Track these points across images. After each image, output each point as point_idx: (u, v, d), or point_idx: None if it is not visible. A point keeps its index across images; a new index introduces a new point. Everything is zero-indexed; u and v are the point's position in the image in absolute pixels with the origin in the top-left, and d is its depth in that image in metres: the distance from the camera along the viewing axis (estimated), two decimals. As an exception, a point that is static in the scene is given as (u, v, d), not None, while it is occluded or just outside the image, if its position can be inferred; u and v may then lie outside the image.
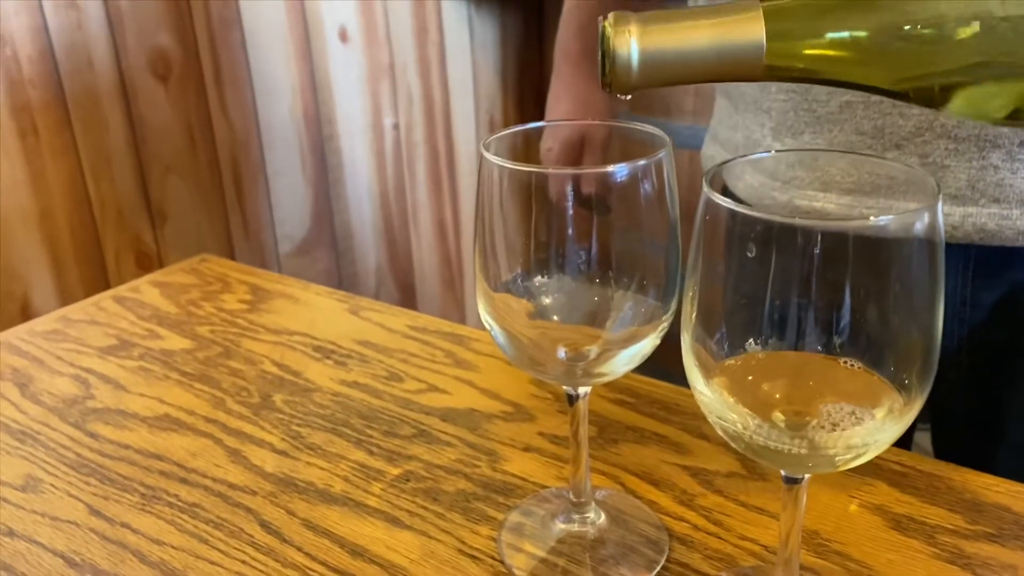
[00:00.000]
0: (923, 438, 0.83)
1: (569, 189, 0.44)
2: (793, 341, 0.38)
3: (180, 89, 1.45)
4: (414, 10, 1.79)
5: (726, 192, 0.39)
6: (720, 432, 0.40)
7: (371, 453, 0.61)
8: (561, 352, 0.47)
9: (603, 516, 0.54)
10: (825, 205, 0.64)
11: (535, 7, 2.05)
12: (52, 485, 0.60)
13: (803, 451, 0.38)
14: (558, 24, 0.89)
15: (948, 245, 0.37)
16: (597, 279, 0.47)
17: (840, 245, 0.35)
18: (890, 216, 0.35)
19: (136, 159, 1.41)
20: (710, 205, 0.37)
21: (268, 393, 0.69)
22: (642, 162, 0.43)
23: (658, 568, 0.50)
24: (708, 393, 0.40)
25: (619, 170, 0.43)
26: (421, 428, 0.64)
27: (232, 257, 1.58)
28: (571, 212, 0.44)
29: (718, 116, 0.80)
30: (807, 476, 0.42)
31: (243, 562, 0.52)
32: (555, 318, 0.49)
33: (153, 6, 1.38)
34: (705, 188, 0.38)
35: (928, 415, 0.76)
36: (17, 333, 0.80)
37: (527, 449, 0.61)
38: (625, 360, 0.47)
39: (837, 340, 0.37)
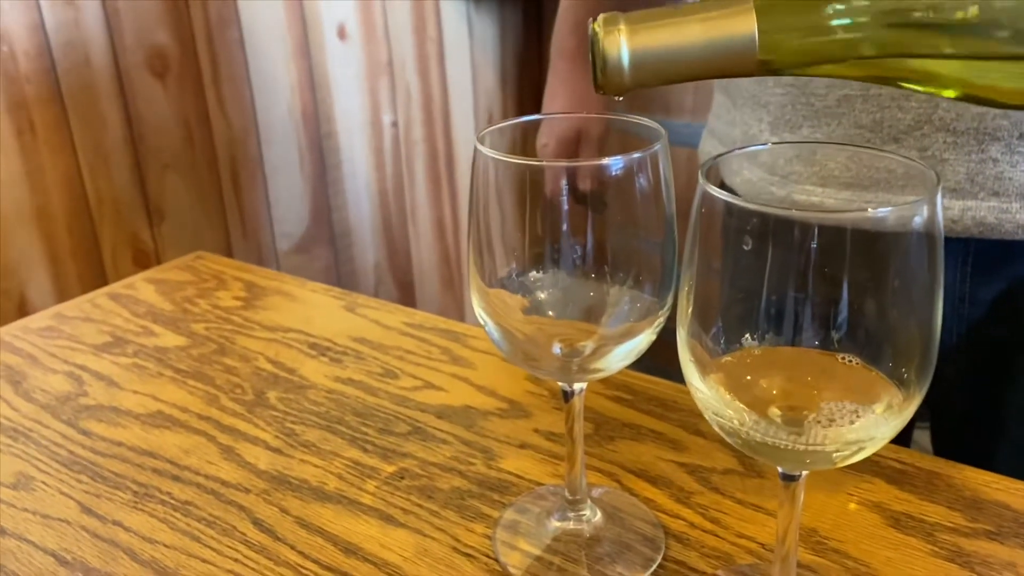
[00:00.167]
0: (922, 436, 0.83)
1: (564, 184, 0.43)
2: (790, 336, 0.37)
3: (178, 86, 1.44)
4: (413, 7, 1.79)
5: (723, 186, 0.38)
6: (717, 428, 0.40)
7: (365, 451, 0.61)
8: (556, 348, 0.47)
9: (599, 514, 0.53)
10: (824, 199, 0.64)
11: (534, 4, 2.04)
12: (44, 483, 0.59)
13: (800, 447, 0.37)
14: (555, 20, 0.89)
15: (947, 239, 0.37)
16: (593, 274, 0.46)
17: (838, 238, 0.35)
18: (888, 208, 0.34)
19: (134, 156, 1.41)
20: (706, 198, 0.37)
21: (262, 390, 0.69)
22: (637, 155, 0.42)
23: (654, 566, 0.50)
24: (704, 389, 0.39)
25: (614, 163, 0.42)
26: (416, 425, 0.63)
27: (230, 255, 1.58)
28: (566, 206, 0.44)
29: (716, 112, 0.80)
30: (804, 473, 0.42)
31: (236, 560, 0.52)
32: (550, 314, 0.48)
33: (151, 4, 1.38)
34: (701, 180, 0.37)
35: (927, 412, 0.75)
36: (11, 330, 0.80)
37: (523, 446, 0.61)
38: (621, 356, 0.46)
39: (835, 335, 0.37)
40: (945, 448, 0.75)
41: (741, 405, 0.39)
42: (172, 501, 0.57)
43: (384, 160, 1.81)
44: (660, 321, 0.46)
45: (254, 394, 0.68)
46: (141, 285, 0.87)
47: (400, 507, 0.55)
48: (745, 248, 0.36)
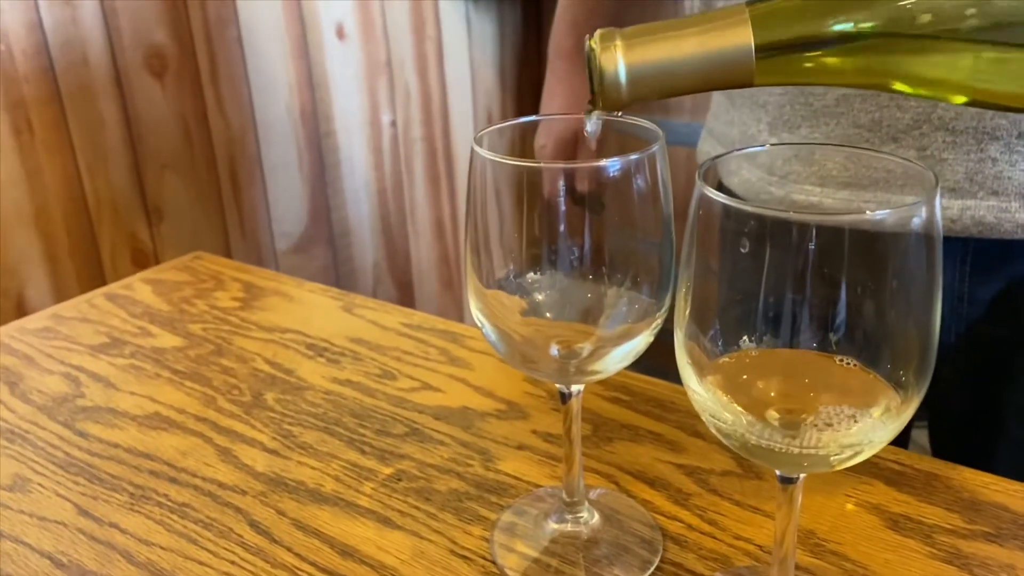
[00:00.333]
0: (920, 435, 0.83)
1: (562, 185, 0.43)
2: (788, 338, 0.37)
3: (176, 86, 1.44)
4: (411, 7, 1.79)
5: (721, 187, 0.38)
6: (714, 431, 0.40)
7: (363, 452, 0.61)
8: (554, 349, 0.47)
9: (596, 516, 0.53)
10: (822, 199, 0.64)
11: (533, 3, 2.04)
12: (40, 485, 0.59)
13: (798, 450, 0.37)
14: (554, 19, 0.88)
15: (945, 239, 0.36)
16: (590, 276, 0.46)
17: (836, 240, 0.35)
18: (887, 210, 0.34)
19: (132, 156, 1.40)
20: (703, 199, 0.37)
21: (260, 391, 0.68)
22: (635, 156, 0.42)
23: (652, 568, 0.50)
24: (702, 392, 0.39)
25: (611, 164, 0.42)
26: (414, 427, 0.63)
27: (229, 255, 1.57)
28: (564, 208, 0.44)
29: (714, 112, 0.79)
30: (802, 476, 0.41)
31: (232, 562, 0.51)
32: (548, 315, 0.48)
33: (149, 3, 1.37)
34: (698, 182, 0.37)
35: (925, 411, 0.75)
36: (8, 331, 0.80)
37: (520, 448, 0.60)
38: (619, 358, 0.46)
39: (833, 337, 0.37)
40: (943, 447, 0.75)
41: (738, 408, 0.39)
42: (169, 503, 0.57)
43: (383, 160, 1.81)
44: (658, 323, 0.45)
45: (251, 395, 0.68)
46: (138, 286, 0.87)
47: (397, 509, 0.55)
48: (743, 250, 0.36)
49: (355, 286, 1.81)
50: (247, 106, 1.55)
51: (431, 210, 1.95)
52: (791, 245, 0.35)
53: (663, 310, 0.45)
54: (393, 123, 1.81)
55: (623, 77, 0.39)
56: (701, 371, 0.39)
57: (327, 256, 1.75)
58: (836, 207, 0.63)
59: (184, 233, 1.50)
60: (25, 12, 1.25)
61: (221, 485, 0.58)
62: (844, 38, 0.38)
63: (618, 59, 0.39)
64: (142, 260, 1.45)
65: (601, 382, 0.66)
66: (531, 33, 2.07)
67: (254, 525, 0.54)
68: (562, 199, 0.43)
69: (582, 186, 0.43)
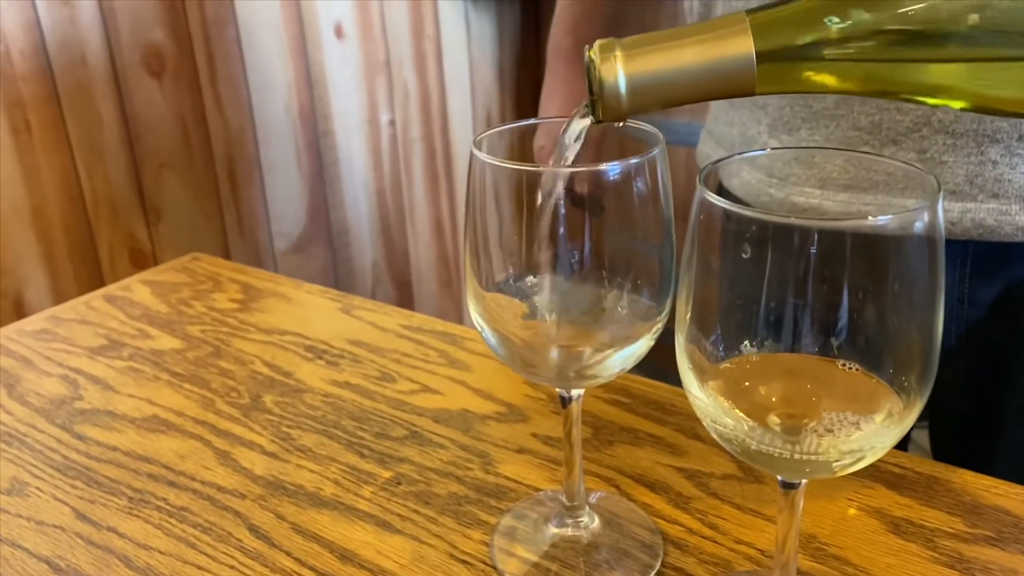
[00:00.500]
0: (921, 435, 0.82)
1: (561, 188, 0.43)
2: (790, 343, 0.37)
3: (174, 85, 1.44)
4: (410, 6, 1.78)
5: (721, 189, 0.38)
6: (715, 436, 0.39)
7: (362, 455, 0.60)
8: (554, 353, 0.47)
9: (597, 520, 0.53)
10: (822, 202, 0.63)
11: (532, 3, 2.04)
12: (38, 488, 0.59)
13: (800, 456, 0.37)
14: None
15: (946, 241, 0.36)
16: (590, 279, 0.46)
17: (837, 244, 0.34)
18: (889, 216, 0.34)
19: (130, 155, 1.40)
20: (704, 204, 0.37)
21: (258, 394, 0.68)
22: (635, 160, 0.42)
23: (652, 573, 0.49)
24: (703, 397, 0.39)
25: (612, 168, 0.42)
26: (413, 430, 0.63)
27: (227, 255, 1.57)
28: (564, 211, 0.44)
29: (714, 113, 0.79)
30: (804, 481, 0.41)
31: (231, 567, 0.51)
32: (548, 319, 0.48)
33: (147, 2, 1.37)
34: (699, 187, 0.37)
35: (926, 413, 0.75)
36: (6, 333, 0.79)
37: (520, 451, 0.60)
38: (619, 362, 0.46)
39: (835, 342, 0.36)
40: (943, 449, 0.75)
41: (740, 413, 0.38)
42: (167, 507, 0.56)
43: (382, 159, 1.81)
44: (658, 327, 0.45)
45: (250, 398, 0.68)
46: (136, 287, 0.87)
47: (397, 513, 0.55)
48: (744, 255, 0.36)
49: (354, 286, 1.81)
50: (245, 106, 1.54)
51: (430, 210, 1.94)
52: (793, 249, 0.35)
53: (664, 314, 0.45)
54: (392, 123, 1.81)
55: (623, 88, 0.39)
56: (702, 376, 0.39)
57: (326, 256, 1.75)
58: (836, 210, 0.62)
59: (182, 233, 1.49)
60: (23, 11, 1.24)
61: (220, 489, 0.58)
62: (845, 46, 0.38)
63: (618, 70, 0.38)
64: (140, 260, 1.44)
65: (601, 385, 0.66)
66: (530, 33, 2.07)
67: (253, 529, 0.54)
68: (562, 202, 0.43)
69: (582, 189, 0.43)
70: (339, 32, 1.66)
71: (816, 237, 0.34)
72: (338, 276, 1.78)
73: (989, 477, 0.55)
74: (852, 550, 0.50)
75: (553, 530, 0.53)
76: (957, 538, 0.51)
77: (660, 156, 0.43)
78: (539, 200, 0.42)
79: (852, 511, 0.53)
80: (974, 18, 0.36)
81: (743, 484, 0.56)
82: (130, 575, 0.51)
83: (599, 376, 0.47)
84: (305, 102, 1.64)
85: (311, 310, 0.81)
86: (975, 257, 0.65)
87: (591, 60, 0.39)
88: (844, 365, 0.37)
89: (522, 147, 0.49)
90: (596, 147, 0.77)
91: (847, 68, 0.38)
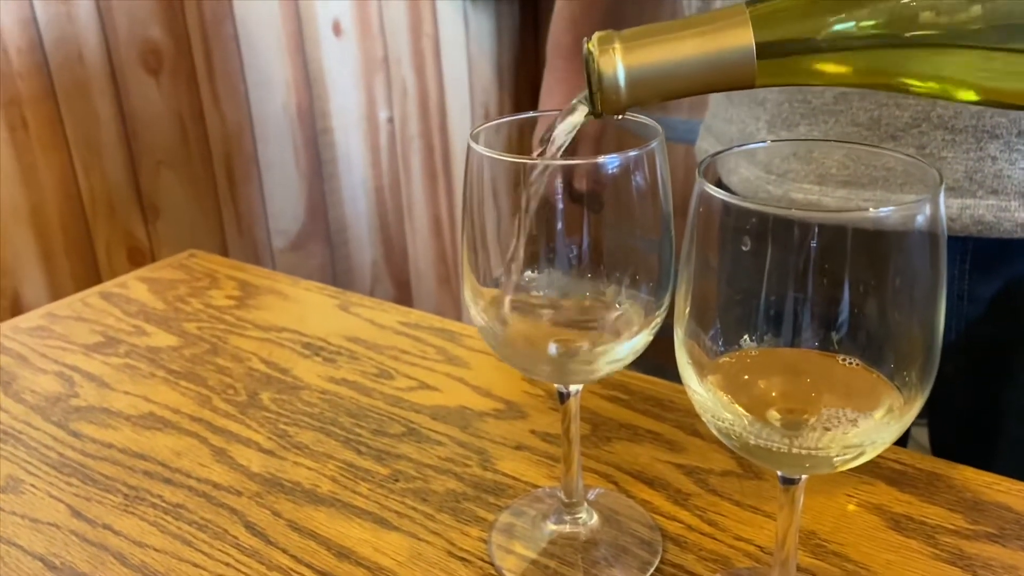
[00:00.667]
0: (920, 433, 0.82)
1: (560, 183, 0.43)
2: (789, 338, 0.36)
3: (172, 82, 1.43)
4: (408, 4, 1.78)
5: (719, 185, 0.37)
6: (715, 432, 0.39)
7: (359, 452, 0.60)
8: (552, 349, 0.46)
9: (595, 516, 0.53)
10: (821, 198, 0.63)
11: (530, 0, 2.03)
12: (33, 486, 0.58)
13: (800, 452, 0.37)
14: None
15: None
16: (589, 274, 0.45)
17: (838, 238, 0.34)
18: (891, 208, 0.33)
19: (127, 153, 1.40)
20: (703, 197, 0.36)
21: (255, 391, 0.68)
22: (633, 153, 0.42)
23: (651, 570, 0.49)
24: (702, 392, 0.39)
25: (610, 161, 0.42)
26: (411, 426, 0.63)
27: (225, 253, 1.57)
28: (562, 205, 0.43)
29: (713, 109, 0.79)
30: (804, 477, 0.41)
31: (227, 564, 0.51)
32: (546, 314, 0.48)
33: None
34: (699, 179, 0.37)
35: (926, 410, 0.75)
36: (2, 330, 0.79)
37: (519, 448, 0.60)
38: (617, 357, 0.45)
39: (835, 336, 0.36)
40: (943, 446, 0.75)
41: (739, 408, 0.38)
42: (163, 504, 0.56)
43: (380, 157, 1.81)
44: (657, 322, 0.45)
45: (247, 395, 0.67)
46: (133, 284, 0.86)
47: (394, 510, 0.55)
48: (744, 248, 0.35)
49: (352, 284, 1.81)
50: (243, 103, 1.54)
51: (428, 207, 1.94)
52: (793, 243, 0.34)
53: (662, 309, 0.45)
54: (390, 120, 1.81)
55: (622, 80, 0.38)
56: (701, 371, 0.39)
57: (324, 254, 1.75)
58: (836, 206, 0.62)
59: (180, 230, 1.49)
60: (19, 8, 1.24)
61: (216, 486, 0.58)
62: (846, 37, 0.38)
63: (617, 62, 0.38)
64: (138, 257, 1.44)
65: (600, 381, 0.66)
66: (528, 30, 2.06)
67: (249, 526, 0.54)
68: (560, 196, 0.43)
69: (581, 183, 0.43)
70: (337, 29, 1.66)
71: (817, 230, 0.34)
72: (336, 274, 1.78)
73: (990, 473, 0.55)
74: (852, 546, 0.50)
75: (551, 527, 0.52)
76: (958, 534, 0.50)
77: (659, 149, 0.43)
78: (533, 192, 0.42)
79: (852, 507, 0.53)
80: (976, 9, 0.36)
81: (742, 480, 0.55)
82: (125, 573, 0.51)
83: (597, 372, 0.46)
84: (303, 100, 1.63)
85: (308, 307, 0.81)
86: (974, 253, 0.65)
87: (590, 52, 0.39)
88: (844, 360, 0.37)
89: (520, 140, 0.48)
90: (595, 143, 0.77)
91: (848, 59, 0.38)
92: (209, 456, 0.61)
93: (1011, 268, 0.65)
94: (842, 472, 0.55)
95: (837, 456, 0.37)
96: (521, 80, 2.08)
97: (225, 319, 0.79)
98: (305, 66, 1.62)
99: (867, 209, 0.33)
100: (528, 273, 0.46)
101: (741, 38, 0.37)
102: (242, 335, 0.76)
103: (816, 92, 0.64)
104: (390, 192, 1.84)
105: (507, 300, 0.46)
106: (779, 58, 0.38)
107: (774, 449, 0.37)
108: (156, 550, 0.52)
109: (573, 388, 0.48)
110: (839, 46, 0.38)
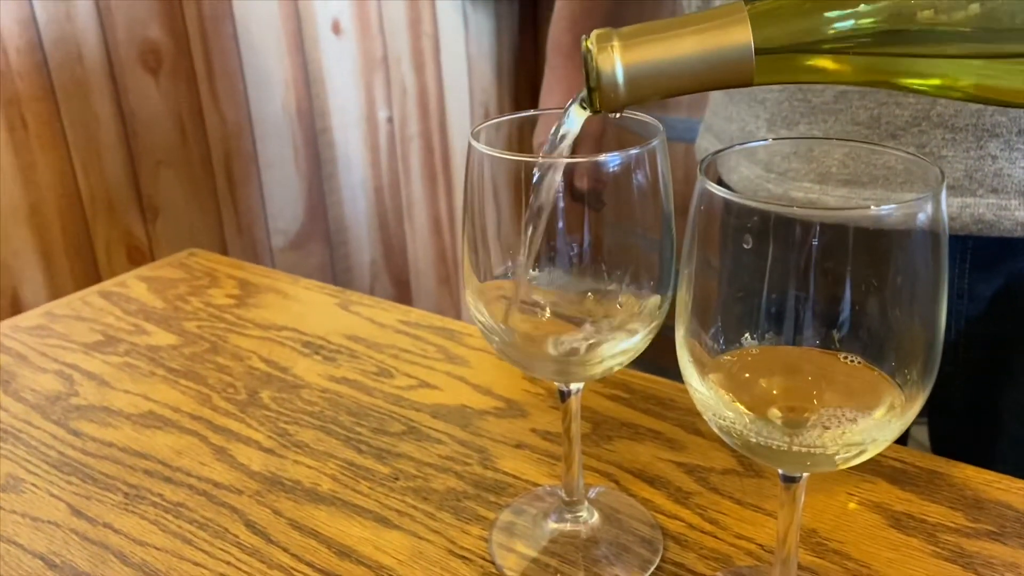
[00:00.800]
0: (920, 431, 0.82)
1: (560, 181, 0.43)
2: (791, 336, 0.36)
3: (171, 82, 1.43)
4: (408, 3, 1.78)
5: (720, 184, 0.37)
6: (716, 430, 0.39)
7: (360, 451, 0.60)
8: (552, 347, 0.46)
9: (596, 515, 0.53)
10: (821, 197, 0.63)
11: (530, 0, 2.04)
12: (33, 484, 0.58)
13: (801, 450, 0.37)
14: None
15: (946, 236, 0.36)
16: (589, 272, 0.45)
17: (839, 236, 0.34)
18: (892, 205, 0.33)
19: (127, 152, 1.40)
20: (704, 194, 0.36)
21: (255, 390, 0.68)
22: (634, 151, 0.42)
23: (652, 568, 0.49)
24: (703, 390, 0.39)
25: (611, 159, 0.42)
26: (411, 425, 0.63)
27: (225, 252, 1.57)
28: (562, 204, 0.43)
29: (713, 108, 0.79)
30: (805, 475, 0.41)
31: (228, 563, 0.51)
32: (546, 312, 0.48)
33: (143, -2, 1.36)
34: (700, 177, 0.37)
35: (925, 408, 0.75)
36: (1, 328, 0.79)
37: (519, 446, 0.60)
38: (618, 356, 0.45)
39: (836, 334, 0.36)
40: (943, 444, 0.75)
41: (740, 406, 0.38)
42: (163, 503, 0.56)
43: (380, 156, 1.80)
44: (658, 320, 0.45)
45: (247, 393, 0.67)
46: (133, 283, 0.86)
47: (395, 509, 0.55)
48: (745, 246, 0.35)
49: (352, 283, 1.80)
50: (243, 102, 1.54)
51: (428, 207, 1.94)
52: (794, 241, 0.34)
53: (663, 307, 0.45)
54: (390, 119, 1.80)
55: (620, 78, 0.38)
56: (703, 369, 0.39)
57: (324, 253, 1.75)
58: (836, 204, 0.62)
59: (180, 230, 1.49)
60: (19, 8, 1.24)
61: (216, 485, 0.58)
62: (845, 35, 0.38)
63: (615, 60, 0.38)
64: (137, 257, 1.44)
65: (600, 380, 0.66)
66: (528, 29, 2.06)
67: (250, 525, 0.54)
68: (561, 195, 0.43)
69: (582, 182, 0.43)
70: (336, 29, 1.66)
71: (818, 228, 0.34)
72: (336, 273, 1.78)
73: (990, 471, 0.55)
74: (853, 545, 0.50)
75: (552, 525, 0.52)
76: (959, 532, 0.50)
77: (660, 147, 0.43)
78: (548, 193, 0.42)
79: (853, 506, 0.53)
80: (975, 8, 0.36)
81: (743, 479, 0.55)
82: (126, 571, 0.51)
83: (598, 370, 0.46)
84: (303, 99, 1.63)
85: (308, 306, 0.81)
86: (975, 252, 0.65)
87: (588, 50, 0.39)
88: (846, 358, 0.37)
89: (520, 138, 0.48)
90: (596, 141, 0.77)
91: (847, 57, 0.38)
92: (209, 455, 0.61)
93: (1011, 267, 0.65)
94: (843, 470, 0.55)
95: (838, 454, 0.37)
96: (521, 80, 2.08)
97: (225, 318, 0.79)
98: (304, 66, 1.62)
99: (868, 207, 0.33)
100: (530, 271, 0.46)
101: (739, 36, 0.37)
102: (242, 334, 0.76)
103: (816, 90, 0.64)
104: (389, 191, 1.84)
105: (517, 303, 0.46)
106: (777, 56, 0.38)
107: (775, 447, 0.37)
108: (156, 549, 0.52)
109: (574, 386, 0.48)
110: (838, 44, 0.38)
